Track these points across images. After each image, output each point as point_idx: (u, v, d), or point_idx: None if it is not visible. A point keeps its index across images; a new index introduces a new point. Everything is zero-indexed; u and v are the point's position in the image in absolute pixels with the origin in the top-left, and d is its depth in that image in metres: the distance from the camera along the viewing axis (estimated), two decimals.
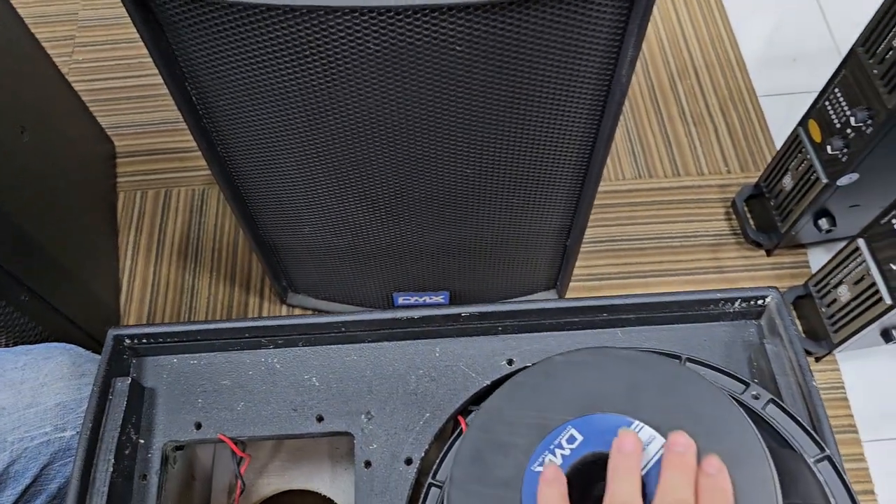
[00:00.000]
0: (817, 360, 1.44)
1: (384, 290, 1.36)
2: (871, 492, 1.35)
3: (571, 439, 0.58)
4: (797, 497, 0.63)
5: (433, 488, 0.76)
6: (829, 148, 1.24)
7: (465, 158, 0.99)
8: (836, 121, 1.23)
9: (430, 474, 0.77)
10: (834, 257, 1.33)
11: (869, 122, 1.13)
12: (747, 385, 0.74)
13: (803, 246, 1.58)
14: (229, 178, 1.09)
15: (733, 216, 1.63)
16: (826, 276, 1.36)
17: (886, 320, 1.22)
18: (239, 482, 0.95)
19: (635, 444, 0.54)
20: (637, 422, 0.58)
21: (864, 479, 1.36)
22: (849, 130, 1.19)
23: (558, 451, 0.58)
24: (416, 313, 0.82)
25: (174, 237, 1.65)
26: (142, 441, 0.81)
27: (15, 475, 0.82)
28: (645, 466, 0.55)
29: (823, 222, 1.40)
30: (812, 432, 0.69)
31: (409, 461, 0.78)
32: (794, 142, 1.37)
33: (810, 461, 0.67)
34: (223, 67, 0.91)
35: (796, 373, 0.77)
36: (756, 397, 0.73)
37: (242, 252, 1.61)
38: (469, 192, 1.06)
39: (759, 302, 0.83)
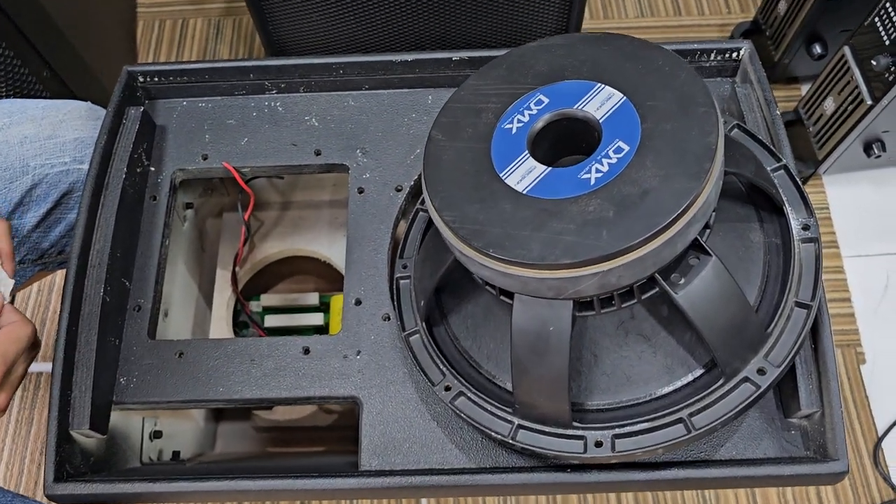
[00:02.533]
0: (804, 181, 1.49)
1: None
2: (848, 300, 1.41)
3: (539, 102, 0.63)
4: (748, 171, 0.67)
5: (420, 213, 0.82)
6: None
7: None
8: None
9: (419, 201, 0.83)
10: (820, 73, 1.37)
11: None
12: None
13: (797, 80, 1.62)
14: None
15: None
16: (814, 93, 1.40)
17: (868, 128, 1.26)
18: (243, 228, 1.01)
19: None
20: (599, 83, 0.63)
21: (843, 289, 1.42)
22: None
23: (526, 112, 0.63)
24: (409, 57, 0.87)
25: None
26: (152, 168, 0.87)
27: (37, 199, 0.88)
28: (603, 117, 0.61)
29: (816, 47, 1.44)
30: (771, 147, 0.74)
31: (398, 188, 0.84)
32: None
33: (768, 169, 0.72)
34: None
35: (762, 108, 0.82)
36: (724, 123, 0.78)
37: None
38: None
39: (734, 55, 0.87)
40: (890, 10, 1.15)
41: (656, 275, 0.57)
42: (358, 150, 0.87)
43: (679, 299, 0.58)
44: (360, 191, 0.84)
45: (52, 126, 0.89)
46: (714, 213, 0.60)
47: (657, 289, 0.59)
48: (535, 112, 0.63)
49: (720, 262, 0.59)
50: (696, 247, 0.58)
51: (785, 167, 0.72)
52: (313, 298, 1.15)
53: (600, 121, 0.60)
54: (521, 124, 0.63)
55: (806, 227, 0.68)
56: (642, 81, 0.62)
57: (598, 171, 0.58)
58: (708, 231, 0.60)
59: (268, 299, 1.15)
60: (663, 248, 0.54)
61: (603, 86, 0.63)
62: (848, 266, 1.43)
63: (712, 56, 0.87)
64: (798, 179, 0.71)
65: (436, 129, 0.65)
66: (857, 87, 1.23)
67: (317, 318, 1.13)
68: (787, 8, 1.42)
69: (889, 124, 1.26)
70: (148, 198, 0.85)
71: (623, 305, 0.60)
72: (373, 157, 0.86)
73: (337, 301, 1.11)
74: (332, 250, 1.08)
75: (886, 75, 1.16)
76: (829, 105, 1.33)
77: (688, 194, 0.54)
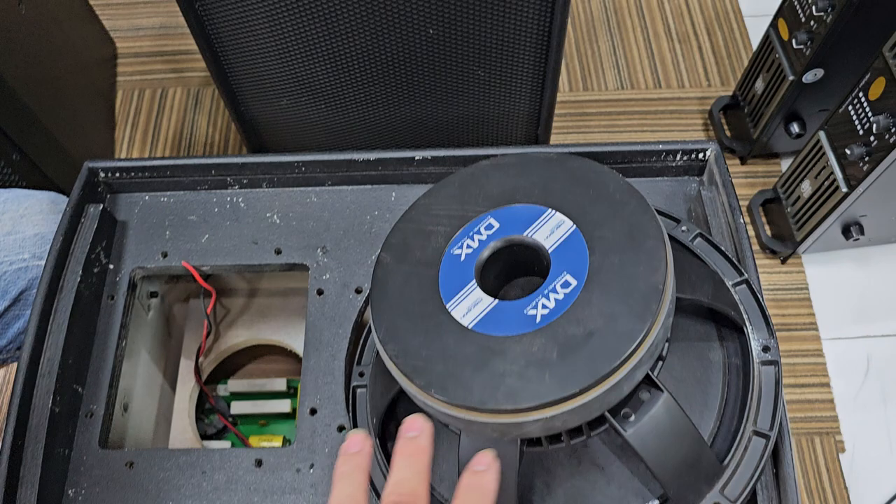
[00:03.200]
0: (783, 261, 1.48)
1: None
2: (828, 385, 1.39)
3: (489, 226, 0.63)
4: (705, 296, 0.66)
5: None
6: (794, 42, 1.27)
7: (426, 16, 1.02)
8: (801, 14, 1.26)
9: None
10: (797, 155, 1.37)
11: (829, 10, 1.16)
12: (678, 221, 0.78)
13: (777, 156, 1.61)
14: (210, 41, 1.12)
15: (710, 126, 1.66)
16: (791, 174, 1.40)
17: (845, 212, 1.25)
18: (206, 322, 1.00)
19: (420, 430, 0.52)
20: (549, 209, 0.62)
21: (822, 373, 1.40)
22: (812, 22, 1.22)
23: (476, 237, 0.62)
24: (371, 155, 0.87)
25: (168, 133, 1.70)
26: (111, 266, 0.86)
27: None
28: (553, 246, 0.60)
29: (794, 126, 1.43)
30: (733, 260, 0.73)
31: (358, 290, 0.83)
32: (765, 44, 1.40)
33: (729, 284, 0.71)
34: None
35: (726, 213, 0.81)
36: (685, 231, 0.77)
37: (232, 147, 1.66)
38: (434, 59, 1.09)
39: (701, 155, 0.87)
40: (862, 99, 1.15)
41: (605, 413, 0.56)
42: (318, 250, 0.86)
43: (629, 437, 0.56)
44: (320, 292, 0.83)
45: (11, 221, 0.88)
46: (668, 343, 0.58)
47: (606, 425, 0.57)
48: (484, 237, 0.62)
49: (672, 398, 0.57)
50: (648, 381, 0.57)
51: (747, 282, 0.71)
52: (280, 384, 1.13)
53: (549, 251, 0.59)
54: (469, 250, 0.62)
55: (766, 349, 0.67)
56: (593, 209, 0.61)
57: (544, 306, 0.56)
58: (661, 363, 0.58)
59: (235, 384, 1.12)
60: (609, 392, 0.53)
61: (554, 212, 0.62)
62: (827, 349, 1.42)
63: (678, 157, 0.86)
64: (760, 296, 0.70)
65: (385, 252, 0.64)
66: (832, 173, 1.23)
67: (283, 406, 1.10)
68: (764, 87, 1.42)
69: (867, 209, 1.26)
70: (105, 297, 0.84)
71: (572, 442, 0.58)
72: (333, 256, 0.85)
73: None
74: (298, 340, 1.06)
75: (861, 164, 1.16)
76: (806, 188, 1.33)
77: (633, 337, 0.53)
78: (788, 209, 1.41)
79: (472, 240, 0.62)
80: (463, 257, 0.61)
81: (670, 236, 0.76)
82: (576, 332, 0.54)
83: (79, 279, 0.80)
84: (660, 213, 0.79)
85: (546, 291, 0.57)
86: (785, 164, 1.62)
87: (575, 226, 0.60)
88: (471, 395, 0.53)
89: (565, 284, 0.57)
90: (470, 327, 0.57)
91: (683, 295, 0.62)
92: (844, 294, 1.46)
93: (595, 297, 0.56)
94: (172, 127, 1.72)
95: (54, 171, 1.30)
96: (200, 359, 1.03)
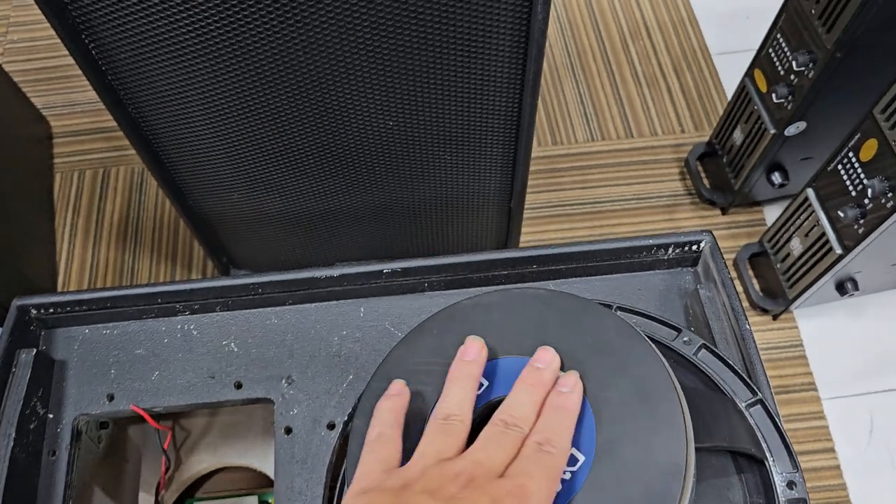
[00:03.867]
0: (774, 317, 1.42)
1: (329, 261, 1.32)
2: (832, 449, 1.33)
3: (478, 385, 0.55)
4: (723, 440, 0.60)
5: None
6: (774, 96, 1.21)
7: (384, 109, 0.95)
8: (779, 67, 1.20)
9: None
10: (784, 211, 1.30)
11: (810, 64, 1.10)
12: (679, 331, 0.71)
13: (759, 203, 1.55)
14: (146, 140, 1.04)
15: (687, 176, 1.60)
16: (779, 230, 1.34)
17: (839, 271, 1.19)
18: (163, 458, 0.92)
19: (478, 352, 0.54)
20: None
21: (825, 437, 1.33)
22: (792, 76, 1.16)
23: None
24: (335, 272, 0.79)
25: (113, 217, 1.61)
26: (51, 415, 0.77)
27: None
28: None
29: (776, 176, 1.38)
30: (744, 376, 0.66)
31: (331, 426, 0.75)
32: (741, 94, 1.35)
33: (742, 405, 0.64)
34: (120, 18, 0.87)
35: (729, 317, 0.74)
36: (687, 343, 0.70)
37: (184, 230, 1.57)
38: (396, 148, 1.02)
39: (694, 248, 0.80)
40: (853, 160, 1.09)
41: None
42: (283, 381, 0.77)
43: None
44: (288, 431, 0.75)
45: None
46: None
47: None
48: None
49: None
50: None
51: (762, 402, 0.64)
52: (251, 502, 1.05)
53: None
54: None
55: (791, 485, 0.60)
56: (593, 362, 0.53)
57: None
58: None
59: None
60: None
61: None
62: (828, 409, 1.35)
63: (670, 251, 0.79)
64: (778, 418, 0.63)
65: (359, 418, 0.56)
66: (824, 233, 1.17)
67: None
68: (743, 138, 1.36)
69: (862, 266, 1.20)
70: (46, 453, 0.75)
71: None
72: (300, 387, 0.77)
73: None
74: (267, 462, 0.98)
75: (856, 227, 1.09)
76: (796, 246, 1.26)
77: None
78: (778, 265, 1.35)
79: None
80: None
81: (670, 349, 0.69)
82: None
83: (12, 443, 0.71)
84: (658, 320, 0.72)
85: None
86: (768, 212, 1.56)
87: None
88: None
89: (571, 461, 0.49)
90: None
91: (701, 444, 0.54)
92: (841, 348, 1.40)
93: (607, 478, 0.48)
94: (117, 211, 1.62)
95: None
96: (162, 492, 0.95)
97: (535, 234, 1.54)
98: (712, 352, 0.68)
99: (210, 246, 1.32)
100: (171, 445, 0.93)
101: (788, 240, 1.29)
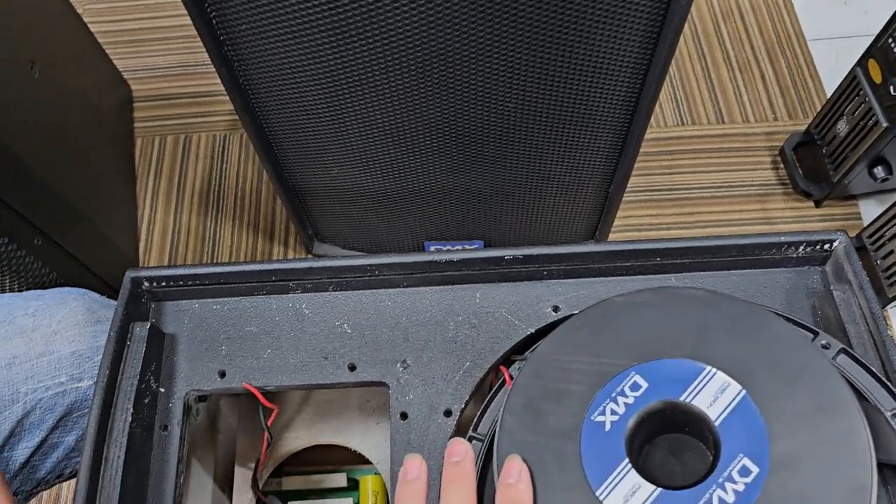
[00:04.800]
0: None
1: (415, 239, 1.30)
2: None
3: (635, 386, 0.52)
4: (880, 453, 0.57)
5: (474, 441, 0.71)
6: (891, 89, 1.17)
7: (507, 91, 0.92)
8: None
9: (472, 427, 0.72)
10: (891, 207, 1.26)
11: None
12: (816, 333, 0.68)
13: (854, 197, 1.51)
14: (253, 113, 1.03)
15: (781, 165, 1.55)
16: (882, 226, 1.30)
17: None
18: (266, 434, 0.91)
19: (464, 454, 0.57)
20: (709, 367, 0.52)
21: None
22: None
23: (621, 400, 0.52)
24: (455, 256, 0.77)
25: (195, 183, 1.60)
26: (162, 390, 0.76)
27: (30, 427, 0.78)
28: (719, 417, 0.50)
29: (879, 170, 1.34)
30: (888, 383, 0.63)
31: (448, 413, 0.73)
32: (851, 84, 1.30)
33: (887, 414, 0.61)
34: None
35: (867, 321, 0.71)
36: (826, 346, 0.67)
37: (266, 199, 1.56)
38: (510, 130, 0.99)
39: (826, 247, 0.76)
40: None
41: None
42: (398, 364, 0.76)
43: None
44: (403, 416, 0.73)
45: (44, 340, 0.79)
46: None
47: None
48: (631, 401, 0.52)
49: None
50: None
51: None
52: (340, 480, 1.04)
53: (716, 423, 0.49)
54: (615, 417, 0.51)
55: None
56: (762, 368, 0.51)
57: (721, 500, 0.46)
58: None
59: (290, 482, 1.03)
60: None
61: (715, 370, 0.51)
62: None
63: (801, 249, 0.76)
64: None
65: (509, 415, 0.54)
66: None
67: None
68: (848, 130, 1.32)
69: None
70: (158, 427, 0.74)
71: None
72: (415, 372, 0.75)
73: (366, 483, 1.00)
74: (363, 441, 0.96)
75: None
76: None
77: None
78: (878, 262, 1.31)
79: (617, 403, 0.52)
80: (608, 426, 0.51)
81: None
82: None
83: (130, 419, 0.70)
84: (793, 321, 0.69)
85: (721, 480, 0.47)
86: (863, 207, 1.52)
87: (744, 390, 0.50)
88: None
89: (744, 472, 0.47)
90: None
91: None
92: None
93: (783, 494, 0.45)
94: (199, 178, 1.61)
95: (77, 248, 1.21)
96: (259, 470, 0.94)
97: (622, 220, 1.51)
98: (853, 356, 0.65)
99: (298, 217, 1.31)
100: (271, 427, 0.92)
101: (892, 237, 1.25)
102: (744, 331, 0.53)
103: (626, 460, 0.50)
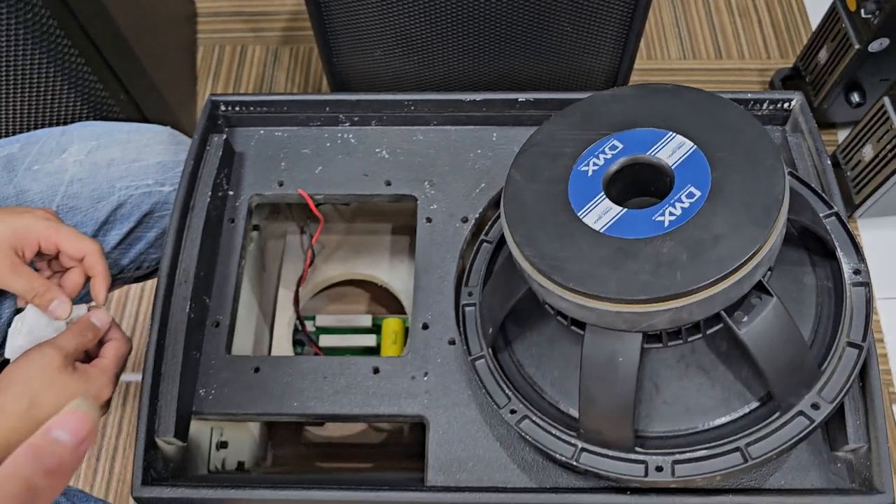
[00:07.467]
0: None
1: None
2: (881, 341, 1.45)
3: (613, 147, 0.68)
4: (807, 219, 0.71)
5: (485, 244, 0.86)
6: (862, 11, 1.31)
7: None
8: None
9: (483, 232, 0.87)
10: (858, 123, 1.41)
11: None
12: None
13: (834, 125, 1.66)
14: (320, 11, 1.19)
15: None
16: (852, 140, 1.44)
17: None
18: (310, 251, 1.06)
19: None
20: (670, 132, 0.67)
21: (876, 330, 1.46)
22: None
23: (601, 156, 0.68)
24: (477, 96, 0.92)
25: (249, 87, 1.77)
26: (231, 192, 0.92)
27: (121, 218, 0.93)
28: (675, 164, 0.65)
29: (854, 96, 1.48)
30: (822, 193, 0.78)
31: (465, 219, 0.89)
32: (830, 15, 1.45)
33: (820, 216, 0.76)
34: None
35: (813, 156, 0.86)
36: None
37: None
38: (528, 13, 1.14)
39: (786, 105, 0.91)
40: None
41: (722, 312, 0.61)
42: (426, 182, 0.91)
43: (742, 336, 0.62)
44: (428, 220, 0.89)
45: (136, 150, 0.94)
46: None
47: (721, 325, 0.63)
48: (609, 156, 0.68)
49: (780, 302, 0.63)
50: (759, 287, 0.63)
51: (836, 214, 0.76)
52: (366, 320, 1.19)
53: (672, 167, 0.65)
54: (596, 167, 0.67)
55: (857, 272, 0.72)
56: (712, 133, 0.66)
57: (671, 213, 0.62)
58: (770, 272, 0.64)
59: (322, 319, 1.19)
60: (732, 288, 0.59)
61: (674, 134, 0.67)
62: (881, 307, 1.47)
63: (765, 105, 0.91)
64: (849, 226, 0.75)
65: (515, 169, 0.70)
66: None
67: (369, 340, 1.17)
68: (827, 57, 1.47)
69: None
70: (226, 220, 0.90)
71: (689, 339, 0.64)
72: (440, 189, 0.91)
73: (388, 324, 1.15)
74: (390, 275, 1.12)
75: None
76: (868, 152, 1.37)
77: (756, 241, 0.58)
78: (848, 173, 1.45)
79: (598, 158, 0.68)
80: (590, 173, 0.67)
81: None
82: (703, 235, 0.60)
83: (208, 200, 0.86)
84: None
85: (672, 201, 0.63)
86: (841, 135, 1.66)
87: (695, 146, 0.65)
88: (608, 288, 0.59)
89: (690, 195, 0.62)
90: (602, 231, 0.63)
91: (791, 216, 0.67)
92: None
93: (719, 207, 0.61)
94: (253, 81, 1.78)
95: (154, 113, 1.36)
96: (300, 288, 1.09)
97: None
98: (796, 177, 0.80)
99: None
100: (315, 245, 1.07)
101: (861, 147, 1.40)
102: (702, 110, 0.68)
103: (602, 193, 0.66)
